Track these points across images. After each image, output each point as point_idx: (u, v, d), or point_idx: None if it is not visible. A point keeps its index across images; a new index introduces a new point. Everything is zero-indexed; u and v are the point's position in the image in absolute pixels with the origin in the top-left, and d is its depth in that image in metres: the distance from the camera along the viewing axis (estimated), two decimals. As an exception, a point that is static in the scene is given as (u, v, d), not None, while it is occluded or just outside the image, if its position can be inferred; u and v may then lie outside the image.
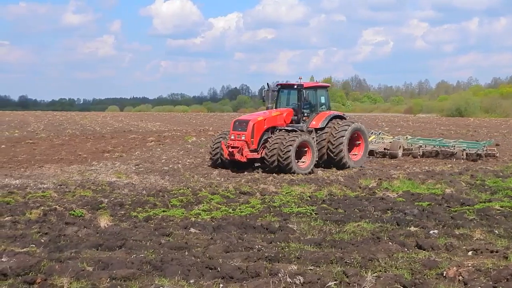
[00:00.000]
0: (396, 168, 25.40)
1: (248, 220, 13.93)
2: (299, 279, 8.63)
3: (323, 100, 26.45)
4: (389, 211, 14.99)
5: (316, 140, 24.77)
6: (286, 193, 18.04)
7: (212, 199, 16.80)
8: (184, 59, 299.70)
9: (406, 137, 33.02)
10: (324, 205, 15.92)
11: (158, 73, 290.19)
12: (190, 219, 13.90)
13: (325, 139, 24.95)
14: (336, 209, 15.46)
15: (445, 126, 62.25)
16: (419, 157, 29.65)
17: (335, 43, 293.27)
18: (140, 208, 15.31)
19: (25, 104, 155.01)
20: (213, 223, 13.52)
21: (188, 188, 18.84)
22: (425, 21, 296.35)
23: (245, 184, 20.05)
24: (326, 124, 25.22)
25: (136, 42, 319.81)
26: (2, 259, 9.36)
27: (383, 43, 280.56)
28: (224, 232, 12.52)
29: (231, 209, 15.28)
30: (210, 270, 9.28)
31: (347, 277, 8.86)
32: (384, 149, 30.45)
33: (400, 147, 30.18)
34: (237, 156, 23.40)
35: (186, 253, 10.60)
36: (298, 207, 15.45)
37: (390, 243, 11.25)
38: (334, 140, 24.81)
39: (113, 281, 8.71)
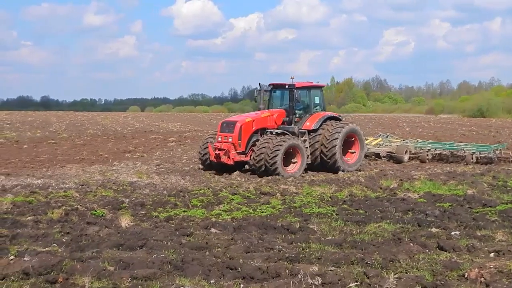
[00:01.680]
0: (417, 169, 25.26)
1: (268, 220, 13.91)
2: (320, 280, 8.61)
3: (317, 100, 25.41)
4: (410, 212, 14.92)
5: (309, 142, 24.03)
6: (307, 193, 18.01)
7: (232, 199, 16.81)
8: (204, 60, 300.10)
9: (417, 141, 32.25)
10: (345, 206, 15.88)
11: (178, 74, 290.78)
12: (210, 219, 13.91)
13: (318, 141, 24.00)
14: (357, 209, 15.40)
15: (466, 127, 61.80)
16: (427, 161, 28.53)
17: (356, 43, 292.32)
18: (161, 208, 15.34)
19: (47, 104, 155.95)
20: (234, 224, 13.52)
21: (208, 188, 18.86)
22: (447, 21, 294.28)
23: (265, 184, 20.03)
24: (320, 126, 24.23)
25: (157, 43, 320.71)
26: (25, 258, 9.42)
27: (404, 43, 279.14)
28: (245, 233, 12.51)
29: (251, 210, 15.28)
30: (230, 270, 9.29)
31: (368, 278, 8.82)
32: (389, 153, 29.38)
33: (406, 151, 28.90)
34: (224, 159, 22.68)
35: (207, 253, 10.61)
36: (318, 208, 15.41)
37: (411, 244, 11.20)
38: (327, 143, 23.84)
39: (134, 280, 8.73)
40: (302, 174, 22.79)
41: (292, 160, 23.11)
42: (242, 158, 22.97)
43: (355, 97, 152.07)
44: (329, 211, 14.85)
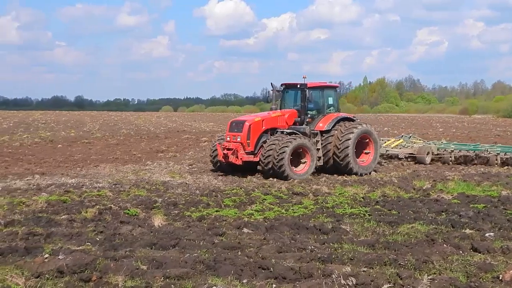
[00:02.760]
0: (451, 169, 25.04)
1: (301, 220, 13.89)
2: (352, 281, 8.59)
3: (331, 101, 24.56)
4: (443, 213, 14.81)
5: (322, 144, 23.28)
6: (339, 194, 17.96)
7: (265, 199, 16.83)
8: (237, 60, 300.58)
9: (441, 142, 31.44)
10: (378, 206, 15.80)
11: (211, 74, 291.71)
12: (243, 219, 13.93)
13: (331, 142, 23.20)
14: (390, 210, 15.33)
15: (501, 127, 61.18)
16: (450, 163, 27.63)
17: (389, 43, 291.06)
18: (194, 208, 15.40)
19: (81, 104, 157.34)
20: (266, 224, 13.52)
21: (241, 188, 18.90)
22: (481, 20, 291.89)
23: (298, 184, 20.02)
24: (333, 127, 23.45)
25: (190, 43, 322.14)
26: (59, 257, 9.52)
27: (438, 43, 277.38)
28: (277, 233, 12.51)
29: (284, 210, 15.28)
30: (263, 270, 9.29)
31: (401, 279, 8.78)
32: (410, 154, 28.60)
33: (428, 152, 28.10)
34: (232, 159, 22.23)
35: (239, 253, 10.63)
36: (351, 208, 15.36)
37: (444, 245, 11.12)
38: (339, 144, 22.99)
39: (167, 280, 8.78)
40: (335, 175, 22.63)
41: (301, 161, 22.55)
42: (251, 158, 22.38)
43: (388, 97, 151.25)
44: (361, 212, 14.80)
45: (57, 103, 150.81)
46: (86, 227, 12.89)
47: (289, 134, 22.47)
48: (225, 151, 22.43)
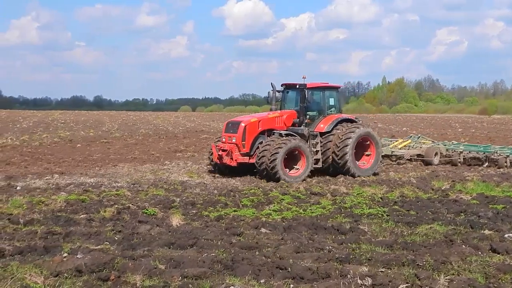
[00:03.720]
0: (470, 170, 24.90)
1: (318, 220, 13.89)
2: (370, 281, 8.57)
3: (332, 102, 23.88)
4: (462, 214, 14.75)
5: (322, 145, 22.67)
6: (357, 194, 17.92)
7: (283, 199, 16.82)
8: (255, 60, 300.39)
9: (452, 143, 30.60)
10: (396, 207, 15.76)
11: (229, 74, 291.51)
12: (261, 219, 13.95)
13: (330, 141, 22.63)
14: (408, 211, 15.28)
15: (521, 127, 60.83)
16: (459, 164, 26.91)
17: (408, 43, 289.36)
18: (212, 208, 15.44)
19: (100, 104, 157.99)
20: (284, 223, 13.53)
21: (259, 188, 18.91)
22: (501, 20, 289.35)
23: (316, 184, 20.01)
24: (333, 128, 22.88)
25: (208, 43, 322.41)
26: (78, 256, 9.57)
27: (457, 42, 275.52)
28: (295, 233, 12.52)
29: (301, 210, 15.28)
30: (280, 270, 9.29)
31: (419, 279, 8.74)
32: (418, 155, 27.98)
33: (436, 153, 27.58)
34: (226, 160, 21.85)
35: (257, 252, 10.64)
36: (369, 209, 15.33)
37: (463, 246, 11.07)
38: (338, 146, 22.39)
39: (185, 279, 8.80)
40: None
41: (297, 163, 21.90)
42: (246, 159, 21.88)
43: (407, 97, 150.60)
44: (379, 212, 14.76)
45: (76, 103, 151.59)
46: (104, 226, 12.96)
47: (285, 135, 21.97)
48: (220, 152, 22.11)
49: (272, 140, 21.46)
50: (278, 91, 24.08)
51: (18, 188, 18.24)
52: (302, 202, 16.55)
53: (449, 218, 14.12)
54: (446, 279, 8.60)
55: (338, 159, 22.44)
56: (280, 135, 21.98)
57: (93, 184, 19.45)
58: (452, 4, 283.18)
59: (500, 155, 26.55)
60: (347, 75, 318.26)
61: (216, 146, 22.53)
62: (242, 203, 16.16)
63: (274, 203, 16.10)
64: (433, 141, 30.96)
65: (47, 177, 20.90)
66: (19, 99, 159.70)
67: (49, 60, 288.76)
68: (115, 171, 23.63)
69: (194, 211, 15.03)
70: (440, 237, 12.07)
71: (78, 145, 37.63)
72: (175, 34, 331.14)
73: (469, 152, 27.96)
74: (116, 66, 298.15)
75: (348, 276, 8.81)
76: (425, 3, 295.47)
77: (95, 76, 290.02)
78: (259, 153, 21.39)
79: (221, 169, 22.77)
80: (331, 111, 23.78)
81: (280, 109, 23.85)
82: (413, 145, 29.63)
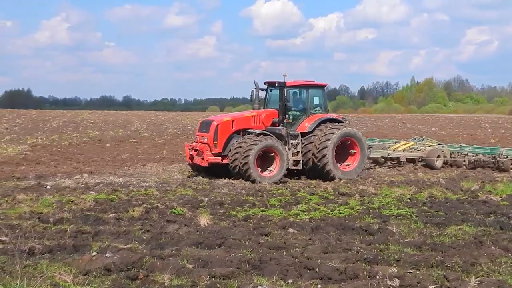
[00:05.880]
0: (500, 171, 24.66)
1: (346, 221, 13.84)
2: (398, 282, 8.53)
3: (316, 101, 22.99)
4: (492, 215, 14.62)
5: (303, 146, 21.83)
6: (386, 194, 17.83)
7: (310, 199, 16.80)
8: (284, 60, 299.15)
9: (460, 145, 29.86)
10: (425, 208, 15.66)
11: (258, 74, 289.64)
12: (288, 219, 13.93)
13: (311, 142, 21.71)
14: (437, 211, 15.18)
15: (552, 127, 60.12)
16: (464, 167, 26.00)
17: (437, 43, 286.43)
18: (239, 208, 15.44)
19: (128, 104, 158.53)
20: (312, 224, 13.51)
21: (286, 188, 18.91)
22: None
23: (344, 185, 19.95)
24: (315, 128, 21.98)
25: (236, 43, 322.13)
26: (106, 255, 9.65)
27: (487, 42, 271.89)
28: (323, 233, 12.49)
29: (329, 210, 15.23)
30: (308, 271, 9.28)
31: (448, 281, 8.68)
32: (420, 158, 26.96)
33: (439, 156, 26.44)
34: (197, 160, 21.45)
35: (285, 253, 10.64)
36: (397, 209, 15.24)
37: (493, 247, 10.98)
38: (318, 147, 21.52)
39: (213, 279, 8.82)
40: (382, 176, 22.42)
41: (272, 163, 21.34)
42: (218, 160, 21.28)
43: (436, 97, 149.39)
44: (408, 213, 14.68)
45: (105, 103, 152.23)
46: (133, 225, 13.02)
47: (259, 135, 21.39)
48: (192, 152, 21.76)
49: (244, 141, 20.99)
50: (262, 90, 23.22)
51: (48, 187, 18.41)
52: (330, 202, 16.51)
53: (478, 219, 14.01)
54: (475, 280, 8.53)
55: (317, 161, 21.64)
56: (255, 134, 21.44)
57: (122, 183, 19.57)
58: (483, 3, 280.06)
59: (506, 157, 25.54)
60: (376, 75, 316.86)
61: (190, 146, 22.14)
62: (269, 203, 16.16)
63: (302, 203, 16.08)
64: (439, 143, 29.82)
65: (76, 177, 21.07)
66: (49, 99, 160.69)
67: (79, 61, 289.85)
68: (144, 171, 23.76)
69: (222, 211, 15.05)
70: (469, 238, 11.99)
71: (107, 144, 37.89)
72: (204, 34, 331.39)
73: (476, 154, 26.91)
74: (144, 66, 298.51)
75: (377, 277, 8.78)
76: (455, 3, 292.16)
77: (124, 76, 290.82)
78: (232, 153, 20.96)
79: (198, 169, 22.36)
80: (316, 111, 22.94)
81: (264, 108, 23.11)
82: (416, 147, 28.59)
